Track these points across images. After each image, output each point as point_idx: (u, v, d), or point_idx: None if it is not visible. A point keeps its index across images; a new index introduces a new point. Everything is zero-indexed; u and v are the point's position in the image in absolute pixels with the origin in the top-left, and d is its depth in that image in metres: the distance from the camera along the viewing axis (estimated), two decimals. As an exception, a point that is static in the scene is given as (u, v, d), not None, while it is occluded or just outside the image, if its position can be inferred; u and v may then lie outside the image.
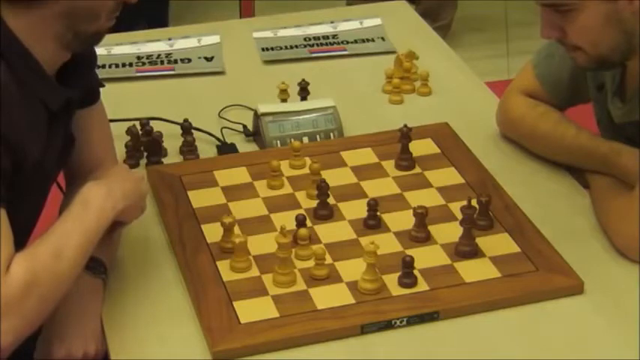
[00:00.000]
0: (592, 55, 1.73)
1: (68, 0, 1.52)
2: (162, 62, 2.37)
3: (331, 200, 1.85)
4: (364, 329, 1.60)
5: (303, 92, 2.17)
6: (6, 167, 1.49)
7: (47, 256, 1.50)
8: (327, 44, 2.45)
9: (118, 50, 2.40)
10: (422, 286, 1.67)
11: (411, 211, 1.78)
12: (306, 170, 1.93)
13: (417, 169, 1.95)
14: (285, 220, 1.76)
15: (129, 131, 2.01)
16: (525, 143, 2.01)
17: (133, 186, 1.69)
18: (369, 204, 1.80)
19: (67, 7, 1.53)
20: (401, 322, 1.62)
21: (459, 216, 1.75)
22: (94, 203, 1.59)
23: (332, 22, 2.53)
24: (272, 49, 2.43)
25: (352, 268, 1.70)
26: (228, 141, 2.07)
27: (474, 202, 1.76)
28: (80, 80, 1.67)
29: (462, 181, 1.92)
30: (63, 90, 1.61)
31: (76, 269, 1.55)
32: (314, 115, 2.07)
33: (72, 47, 1.59)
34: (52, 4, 1.52)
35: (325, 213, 1.82)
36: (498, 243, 1.76)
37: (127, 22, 3.01)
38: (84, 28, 1.56)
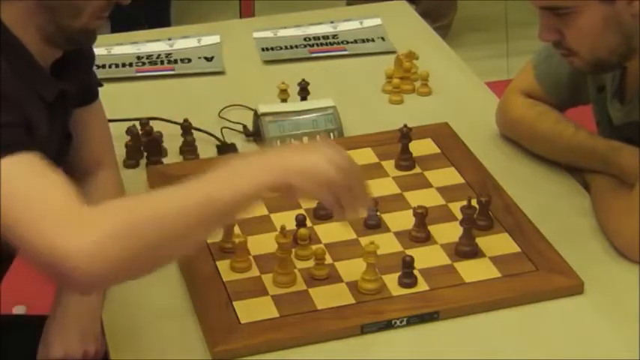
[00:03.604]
0: (588, 59, 1.73)
1: None
2: (162, 62, 2.37)
3: (331, 200, 1.85)
4: (364, 329, 1.60)
5: (303, 92, 2.17)
6: (21, 121, 1.45)
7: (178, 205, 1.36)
8: (327, 44, 2.45)
9: (118, 50, 2.40)
10: (422, 286, 1.67)
11: (411, 211, 1.78)
12: (306, 170, 1.92)
13: (417, 169, 1.95)
14: (285, 220, 1.76)
15: (129, 131, 2.01)
16: (525, 143, 2.01)
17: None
18: (369, 204, 1.80)
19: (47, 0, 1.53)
20: (401, 322, 1.62)
21: (459, 216, 1.75)
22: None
23: (332, 22, 2.53)
24: (272, 49, 2.43)
25: (352, 268, 1.70)
26: (228, 141, 2.07)
27: (474, 202, 1.76)
28: (75, 76, 1.66)
29: (462, 181, 1.92)
30: (57, 82, 1.60)
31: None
32: (314, 115, 2.07)
33: (58, 43, 1.58)
34: None
35: (325, 213, 1.82)
36: (498, 243, 1.76)
37: (127, 22, 3.02)
38: (66, 23, 1.54)
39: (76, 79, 1.67)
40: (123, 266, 1.33)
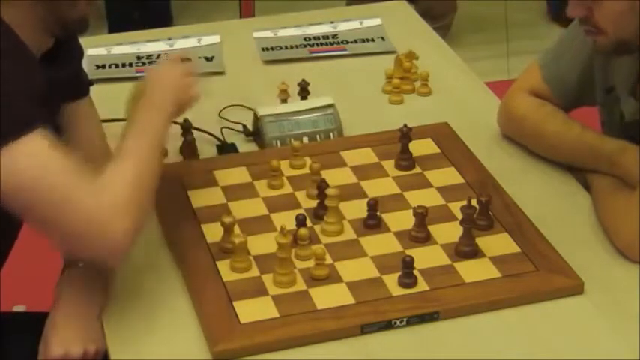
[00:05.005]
0: (612, 39, 1.72)
1: None
2: (162, 62, 2.37)
3: (331, 200, 1.85)
4: (364, 329, 1.60)
5: (303, 92, 2.17)
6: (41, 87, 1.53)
7: (147, 152, 1.62)
8: (327, 44, 2.45)
9: (118, 50, 2.40)
10: (422, 286, 1.67)
11: (411, 211, 1.78)
12: (306, 170, 1.93)
13: (417, 169, 1.95)
14: (285, 220, 1.76)
15: (129, 131, 2.01)
16: (529, 143, 2.00)
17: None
18: (369, 204, 1.80)
19: None
20: (401, 322, 1.62)
21: (459, 216, 1.76)
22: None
23: (332, 22, 2.53)
24: (272, 49, 2.43)
25: (352, 268, 1.70)
26: (228, 141, 2.07)
27: (473, 202, 1.76)
28: (64, 67, 1.69)
29: (462, 181, 1.92)
30: (46, 70, 1.62)
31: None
32: (314, 115, 2.07)
33: (55, 33, 1.62)
34: None
35: (325, 213, 1.82)
36: (498, 243, 1.76)
37: (127, 22, 3.01)
38: (65, 13, 1.59)
39: (65, 70, 1.69)
40: (140, 211, 1.57)
